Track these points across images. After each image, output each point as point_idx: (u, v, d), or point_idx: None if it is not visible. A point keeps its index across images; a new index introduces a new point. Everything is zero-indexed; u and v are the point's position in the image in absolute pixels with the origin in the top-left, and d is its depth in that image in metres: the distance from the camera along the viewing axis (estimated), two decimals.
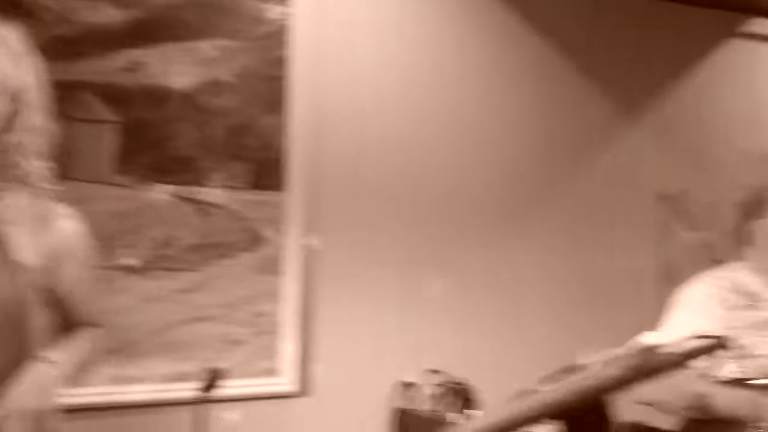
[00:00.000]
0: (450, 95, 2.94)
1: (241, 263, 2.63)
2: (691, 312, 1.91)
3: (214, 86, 2.60)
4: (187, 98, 2.56)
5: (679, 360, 0.84)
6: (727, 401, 1.76)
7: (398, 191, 2.83)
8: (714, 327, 1.85)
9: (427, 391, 1.72)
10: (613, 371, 0.86)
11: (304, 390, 2.65)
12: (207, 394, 1.87)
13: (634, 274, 3.09)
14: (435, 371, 1.63)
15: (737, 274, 1.96)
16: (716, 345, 0.85)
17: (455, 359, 2.59)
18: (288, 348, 2.64)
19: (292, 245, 2.67)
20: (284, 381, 2.64)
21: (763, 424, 1.73)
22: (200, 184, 2.58)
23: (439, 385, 1.72)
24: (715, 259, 2.06)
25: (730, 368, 1.84)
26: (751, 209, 1.98)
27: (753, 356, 1.82)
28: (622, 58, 3.18)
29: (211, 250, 2.60)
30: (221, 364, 2.33)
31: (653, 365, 0.85)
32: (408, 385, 1.74)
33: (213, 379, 1.90)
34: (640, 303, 2.70)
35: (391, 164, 2.83)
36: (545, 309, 2.89)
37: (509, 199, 2.97)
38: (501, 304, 2.85)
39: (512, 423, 0.89)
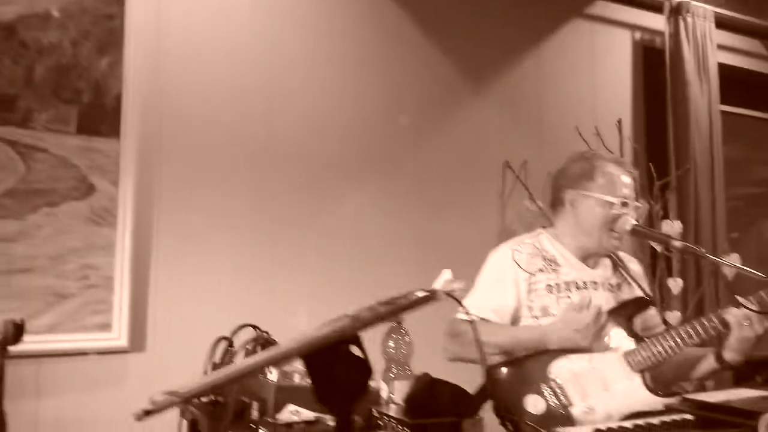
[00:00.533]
0: (302, 50, 2.91)
1: (68, 213, 2.49)
2: (494, 274, 2.03)
3: (41, 20, 2.42)
4: (9, 31, 2.37)
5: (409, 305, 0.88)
6: (513, 336, 1.90)
7: (241, 145, 2.77)
8: (511, 288, 1.99)
9: (241, 345, 1.72)
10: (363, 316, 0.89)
11: (136, 345, 2.56)
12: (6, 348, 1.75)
13: (477, 238, 3.20)
14: (254, 327, 1.63)
15: (543, 240, 2.10)
16: (432, 297, 0.89)
17: (288, 315, 2.61)
18: (120, 303, 2.54)
19: (125, 196, 2.55)
20: (116, 336, 2.54)
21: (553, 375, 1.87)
22: (23, 126, 2.40)
23: (251, 340, 1.72)
24: (545, 227, 2.19)
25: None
26: (560, 180, 2.12)
27: (551, 315, 1.96)
28: (472, 31, 3.27)
29: (35, 197, 2.44)
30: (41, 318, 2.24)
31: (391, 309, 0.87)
32: (223, 340, 1.73)
33: (11, 332, 1.78)
34: (478, 266, 2.82)
35: (235, 116, 2.76)
36: (385, 269, 2.94)
37: (356, 160, 2.99)
38: (340, 262, 2.87)
39: (265, 363, 0.90)
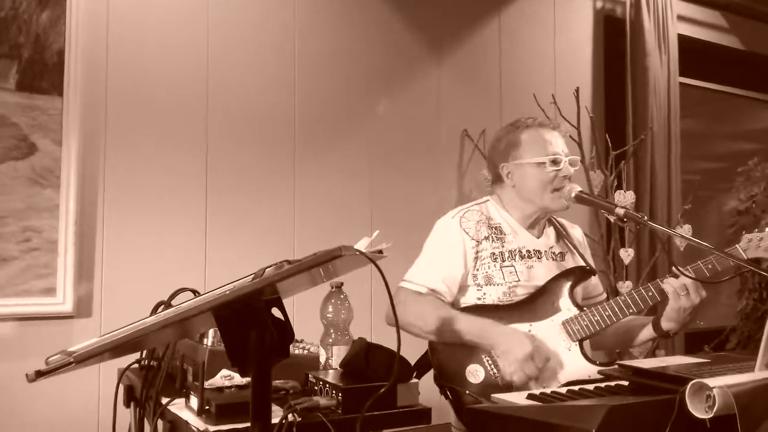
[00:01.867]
0: (255, 8, 2.82)
1: (8, 173, 2.40)
2: (441, 241, 2.01)
3: None
4: None
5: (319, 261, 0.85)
6: (466, 327, 1.87)
7: (191, 104, 2.70)
8: (459, 256, 1.98)
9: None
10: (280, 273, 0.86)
11: (82, 311, 2.51)
12: None
13: (435, 206, 3.19)
14: (193, 291, 1.58)
15: (489, 207, 2.08)
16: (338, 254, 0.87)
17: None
18: (65, 267, 2.47)
19: (69, 156, 2.47)
20: (60, 301, 2.48)
21: (494, 351, 1.85)
22: None
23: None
24: (492, 195, 2.18)
25: (474, 295, 1.97)
26: (493, 158, 2.11)
27: (495, 284, 1.95)
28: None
29: None
30: None
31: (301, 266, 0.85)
32: (163, 304, 1.69)
33: None
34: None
35: (184, 73, 2.68)
36: (339, 236, 2.90)
37: (312, 125, 2.93)
38: (292, 228, 2.84)
39: (173, 320, 0.87)
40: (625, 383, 1.43)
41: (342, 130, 3.01)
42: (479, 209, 2.06)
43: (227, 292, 0.86)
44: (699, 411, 1.11)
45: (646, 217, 1.80)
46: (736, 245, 1.87)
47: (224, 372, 1.51)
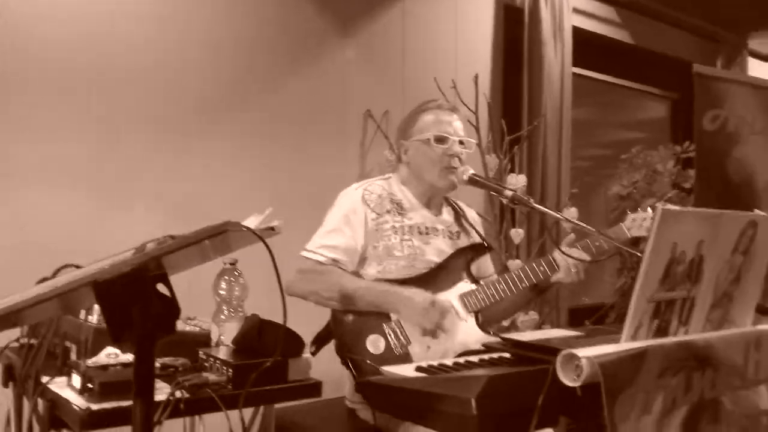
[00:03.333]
0: None
1: None
2: (343, 213, 2.04)
3: None
4: None
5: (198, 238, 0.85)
6: (367, 293, 1.92)
7: (83, 73, 2.57)
8: (360, 228, 2.02)
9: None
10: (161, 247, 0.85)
11: None
12: None
13: (336, 185, 3.19)
14: (77, 267, 1.52)
15: (392, 184, 2.14)
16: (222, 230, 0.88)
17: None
18: None
19: None
20: None
21: (396, 313, 1.92)
22: None
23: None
24: (395, 172, 2.24)
25: (374, 268, 2.02)
26: (396, 137, 2.19)
27: (394, 257, 2.01)
28: None
29: None
30: None
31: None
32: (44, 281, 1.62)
33: None
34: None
35: (70, 48, 2.55)
36: (237, 213, 2.86)
37: (211, 99, 2.86)
38: (188, 204, 2.76)
39: (48, 295, 0.84)
40: (508, 355, 1.51)
41: (244, 108, 2.96)
42: (382, 184, 2.12)
43: (106, 267, 0.84)
44: (569, 379, 1.18)
45: (533, 200, 1.91)
46: (621, 224, 2.00)
47: (109, 350, 1.47)
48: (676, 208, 1.29)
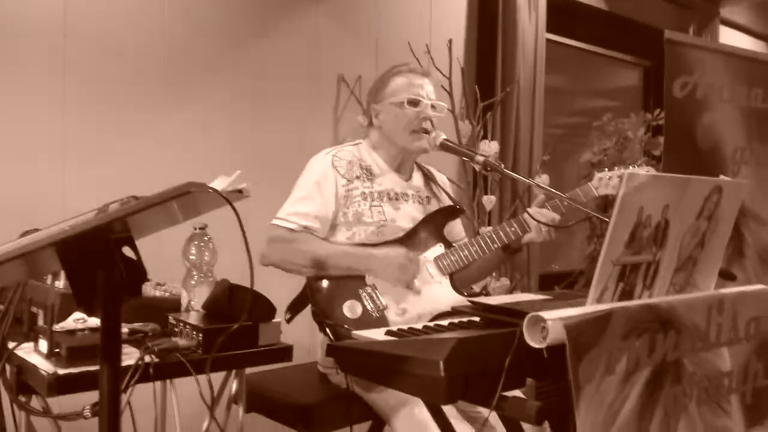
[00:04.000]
0: None
1: None
2: (313, 179, 2.04)
3: None
4: None
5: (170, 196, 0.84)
6: (340, 257, 1.94)
7: (49, 31, 2.49)
8: (330, 194, 2.01)
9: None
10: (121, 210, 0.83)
11: None
12: None
13: (310, 150, 3.16)
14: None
15: (362, 149, 2.13)
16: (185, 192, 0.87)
17: None
18: None
19: None
20: None
21: (370, 280, 1.94)
22: None
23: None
24: (365, 138, 2.22)
25: (343, 234, 2.02)
26: (367, 100, 2.18)
27: (364, 223, 2.01)
28: None
29: None
30: None
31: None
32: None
33: None
34: None
35: (43, 9, 2.47)
36: (212, 170, 2.83)
37: (182, 66, 2.80)
38: (160, 173, 2.72)
39: (8, 257, 0.82)
40: (477, 319, 1.53)
41: (215, 72, 2.90)
42: (352, 150, 2.11)
43: (67, 228, 0.82)
44: (535, 341, 1.20)
45: (503, 166, 1.91)
46: (588, 183, 2.03)
47: (77, 315, 1.46)
48: (643, 172, 1.31)
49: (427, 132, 2.04)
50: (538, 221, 1.93)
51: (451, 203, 2.20)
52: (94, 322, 1.45)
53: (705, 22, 4.85)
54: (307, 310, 2.02)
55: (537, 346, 1.20)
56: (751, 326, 1.55)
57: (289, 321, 1.99)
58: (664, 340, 1.34)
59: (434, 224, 2.10)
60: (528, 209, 1.98)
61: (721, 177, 1.64)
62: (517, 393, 1.38)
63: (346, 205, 2.02)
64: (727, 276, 1.65)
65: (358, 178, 2.05)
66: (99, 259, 0.92)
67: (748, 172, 2.46)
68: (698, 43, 2.42)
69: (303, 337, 2.05)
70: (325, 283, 1.95)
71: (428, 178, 2.22)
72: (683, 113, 2.24)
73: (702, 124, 2.31)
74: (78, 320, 1.44)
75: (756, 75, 2.46)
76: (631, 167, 2.04)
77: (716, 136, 2.35)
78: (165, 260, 2.08)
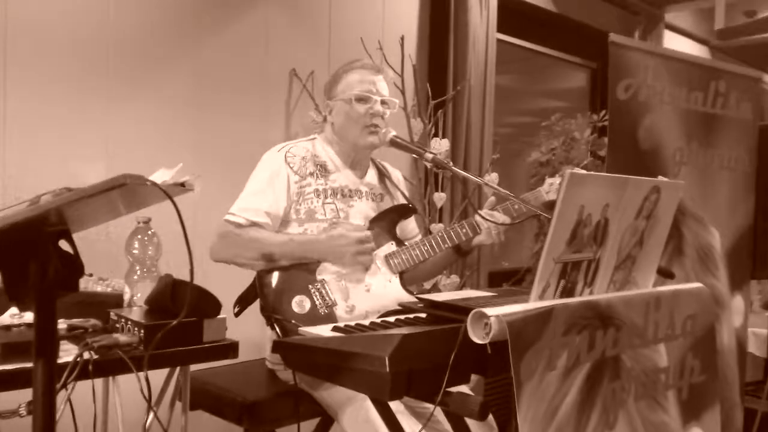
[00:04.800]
0: None
1: None
2: (266, 175, 2.02)
3: None
4: None
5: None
6: (284, 247, 1.94)
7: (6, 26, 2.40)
8: (282, 190, 2.00)
9: None
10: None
11: None
12: None
13: (260, 146, 3.12)
14: None
15: (316, 145, 2.12)
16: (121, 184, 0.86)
17: None
18: None
19: None
20: None
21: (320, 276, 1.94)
22: None
23: None
24: (320, 133, 2.22)
25: (295, 230, 2.01)
26: (325, 90, 2.17)
27: (316, 220, 2.00)
28: None
29: None
30: None
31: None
32: None
33: None
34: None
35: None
36: (160, 165, 2.77)
37: (131, 52, 2.72)
38: (108, 155, 2.66)
39: None
40: (424, 315, 1.55)
41: (165, 65, 2.84)
42: (306, 145, 2.11)
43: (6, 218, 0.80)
44: (479, 337, 1.22)
45: (451, 163, 1.93)
46: (540, 188, 2.07)
47: (13, 310, 1.41)
48: (584, 172, 1.34)
49: (376, 127, 2.04)
50: (489, 222, 1.95)
51: (404, 201, 2.21)
52: (31, 317, 1.41)
53: (650, 26, 4.98)
54: (257, 305, 2.00)
55: (480, 342, 1.21)
56: (688, 323, 1.60)
57: (237, 315, 1.97)
58: (603, 337, 1.37)
59: (386, 222, 2.11)
60: (479, 211, 2.00)
61: (660, 177, 1.69)
62: (462, 388, 1.40)
63: (298, 202, 2.01)
64: (665, 274, 1.71)
65: (311, 174, 2.04)
66: (31, 252, 0.89)
67: (687, 172, 2.54)
68: (641, 47, 2.49)
69: (253, 333, 2.03)
70: (274, 277, 1.94)
71: (383, 174, 2.23)
72: (626, 115, 2.30)
73: (644, 125, 2.38)
74: (14, 315, 1.39)
75: (695, 79, 2.54)
76: (576, 168, 2.09)
77: (657, 138, 2.42)
78: (110, 254, 2.04)
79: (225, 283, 1.82)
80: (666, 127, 2.45)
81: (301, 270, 1.95)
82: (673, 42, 5.42)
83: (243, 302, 2.03)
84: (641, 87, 2.34)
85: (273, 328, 1.90)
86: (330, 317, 1.90)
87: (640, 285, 1.56)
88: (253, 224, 1.96)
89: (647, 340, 1.50)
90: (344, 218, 2.04)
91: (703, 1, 4.77)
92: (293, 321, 1.87)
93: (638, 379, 1.48)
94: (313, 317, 1.88)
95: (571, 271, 1.36)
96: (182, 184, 1.07)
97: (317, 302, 1.92)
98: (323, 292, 1.94)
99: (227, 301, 1.78)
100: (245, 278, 2.04)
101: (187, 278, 1.59)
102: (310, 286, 1.93)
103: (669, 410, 1.57)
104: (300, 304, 1.91)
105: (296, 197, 2.01)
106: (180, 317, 1.16)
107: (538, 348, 1.23)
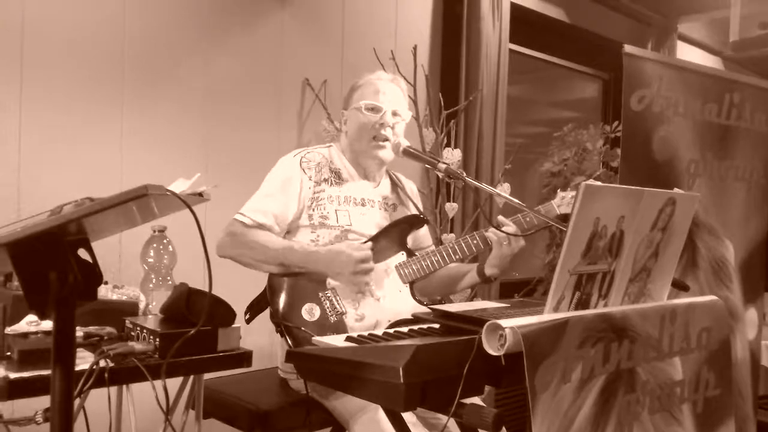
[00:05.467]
0: None
1: None
2: (280, 178, 2.04)
3: None
4: None
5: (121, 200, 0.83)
6: (286, 255, 1.94)
7: (4, 32, 2.43)
8: (295, 194, 2.02)
9: None
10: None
11: None
12: None
13: (274, 155, 3.14)
14: None
15: (332, 152, 2.14)
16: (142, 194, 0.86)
17: None
18: None
19: None
20: None
21: (330, 284, 1.94)
22: None
23: None
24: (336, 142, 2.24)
25: (307, 237, 2.02)
26: (345, 99, 2.19)
27: (328, 227, 2.01)
28: None
29: None
30: None
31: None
32: None
33: None
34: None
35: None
36: (175, 174, 2.80)
37: (146, 60, 2.76)
38: (122, 164, 2.68)
39: None
40: (437, 326, 1.54)
41: (178, 71, 2.86)
42: (323, 152, 2.12)
43: (19, 229, 0.81)
44: (493, 349, 1.22)
45: (464, 174, 1.93)
46: (551, 201, 2.06)
47: (30, 318, 1.42)
48: (599, 183, 1.33)
49: (386, 139, 2.05)
50: (505, 232, 1.95)
51: (416, 212, 2.21)
52: (48, 325, 1.42)
53: (663, 37, 4.98)
54: (266, 314, 2.01)
55: (495, 353, 1.21)
56: (703, 336, 1.59)
57: (248, 321, 1.98)
58: (618, 349, 1.36)
59: (398, 232, 2.11)
60: (492, 223, 2.00)
61: (675, 189, 1.68)
62: (475, 400, 1.39)
63: (311, 207, 2.02)
64: (680, 286, 1.70)
65: (325, 180, 2.06)
66: (52, 262, 0.90)
67: (702, 184, 2.53)
68: (655, 58, 2.48)
69: (265, 342, 2.04)
70: (285, 284, 1.95)
71: (396, 185, 2.24)
72: (640, 126, 2.29)
73: (658, 137, 2.37)
74: (31, 323, 1.40)
75: (709, 90, 2.53)
76: (590, 180, 2.08)
77: (672, 150, 2.41)
78: (124, 262, 2.05)
79: (236, 292, 1.83)
80: (680, 139, 2.44)
81: (312, 278, 1.96)
82: (686, 53, 5.40)
83: (254, 309, 2.04)
84: (655, 98, 2.33)
85: (282, 335, 1.91)
86: (340, 325, 1.90)
87: (655, 297, 1.56)
88: (259, 225, 1.98)
89: (662, 353, 1.49)
90: (356, 226, 2.04)
91: (716, 11, 4.76)
92: (303, 328, 1.87)
93: (653, 392, 1.47)
94: (323, 325, 1.89)
95: (586, 283, 1.36)
96: (200, 194, 1.08)
97: (327, 310, 1.93)
98: (333, 300, 1.94)
99: (238, 308, 1.79)
100: (257, 285, 2.05)
101: (199, 286, 1.61)
102: (321, 294, 1.94)
103: (684, 424, 1.56)
104: (310, 311, 1.92)
105: (309, 202, 2.02)
106: (198, 326, 1.17)
107: (552, 360, 1.23)
